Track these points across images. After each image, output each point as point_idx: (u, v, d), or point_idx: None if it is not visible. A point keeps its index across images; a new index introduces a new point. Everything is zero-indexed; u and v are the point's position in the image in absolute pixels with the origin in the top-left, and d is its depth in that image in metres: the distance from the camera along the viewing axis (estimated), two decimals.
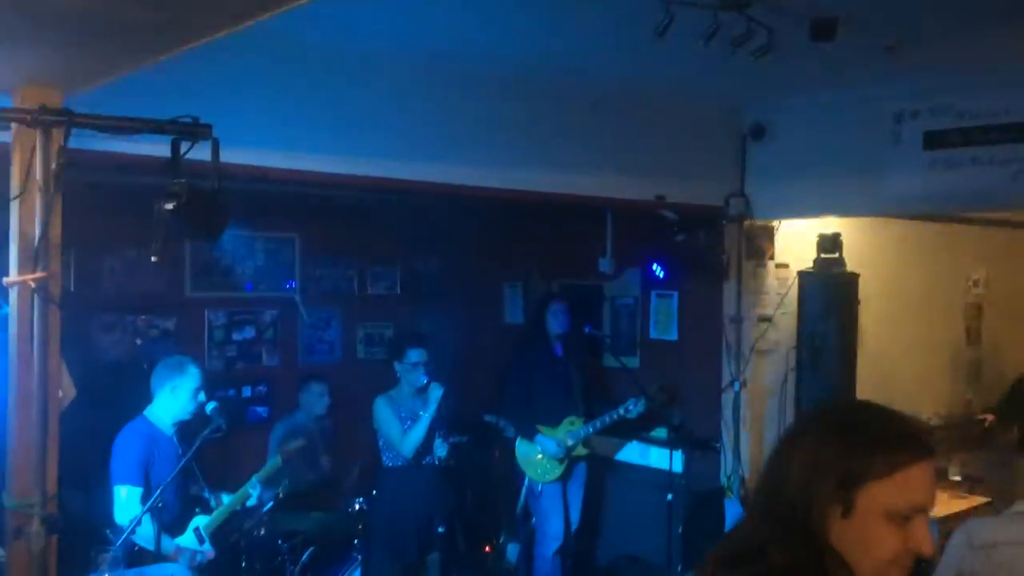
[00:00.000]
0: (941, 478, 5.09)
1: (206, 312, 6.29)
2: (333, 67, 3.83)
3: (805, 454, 1.41)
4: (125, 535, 3.72)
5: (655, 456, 5.72)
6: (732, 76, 4.31)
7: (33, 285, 2.40)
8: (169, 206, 2.51)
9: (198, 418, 4.22)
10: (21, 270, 2.43)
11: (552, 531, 5.36)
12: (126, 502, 3.88)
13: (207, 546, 4.14)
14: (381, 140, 4.04)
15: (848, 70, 4.38)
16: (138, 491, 3.90)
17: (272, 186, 4.54)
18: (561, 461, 5.31)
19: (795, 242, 5.49)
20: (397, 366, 4.86)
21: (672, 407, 5.46)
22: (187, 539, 4.08)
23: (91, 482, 4.12)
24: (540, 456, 5.32)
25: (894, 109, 4.72)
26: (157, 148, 2.73)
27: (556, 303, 5.51)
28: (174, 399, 4.11)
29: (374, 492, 4.98)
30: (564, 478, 5.41)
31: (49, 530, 2.40)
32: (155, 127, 2.52)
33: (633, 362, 5.98)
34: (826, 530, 1.37)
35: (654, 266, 5.44)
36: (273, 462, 4.61)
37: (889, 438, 1.39)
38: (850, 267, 5.18)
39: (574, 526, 5.56)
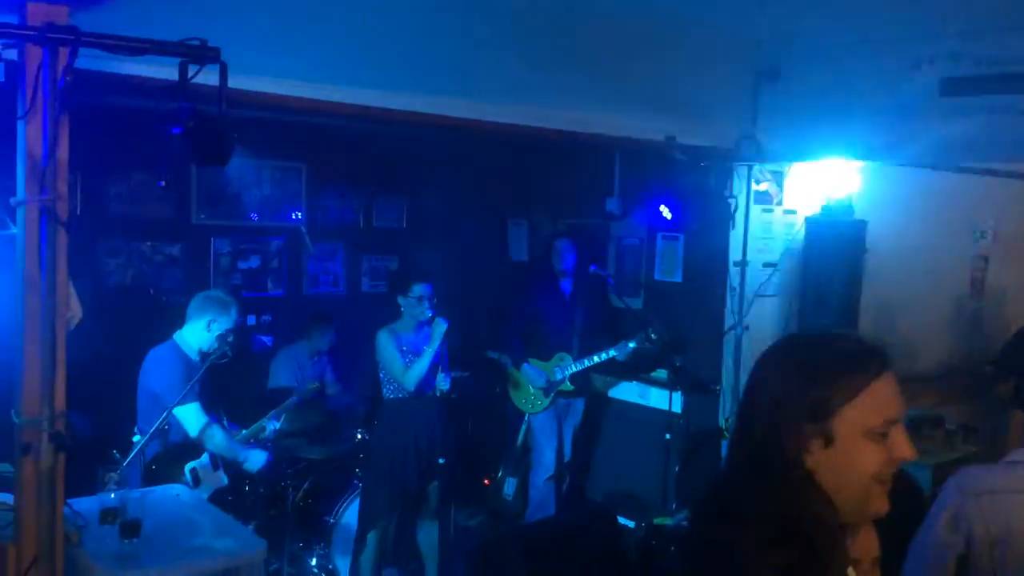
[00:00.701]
0: (937, 427, 5.14)
1: (212, 240, 6.31)
2: None
3: (769, 395, 1.42)
4: (132, 455, 3.83)
5: (655, 396, 5.79)
6: (747, 15, 4.23)
7: (40, 206, 2.39)
8: (177, 131, 2.50)
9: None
10: (28, 191, 2.42)
11: (545, 461, 5.60)
12: (194, 417, 4.05)
13: (221, 473, 4.25)
14: (389, 71, 3.99)
15: (866, 13, 4.28)
16: (195, 404, 4.07)
17: (280, 114, 4.50)
18: (546, 394, 5.48)
19: (804, 188, 5.45)
20: (400, 299, 4.86)
21: (667, 353, 5.50)
22: (203, 464, 4.19)
23: (97, 403, 4.18)
24: (527, 386, 5.54)
25: (911, 54, 4.63)
26: (164, 71, 2.70)
27: (562, 240, 5.62)
28: (207, 333, 4.23)
29: (375, 423, 5.06)
30: (559, 414, 5.61)
31: (57, 447, 2.44)
32: (162, 49, 2.48)
33: (636, 303, 6.01)
34: (806, 464, 1.39)
35: (661, 207, 5.42)
36: (291, 401, 4.73)
37: (845, 361, 1.41)
38: (858, 215, 5.15)
39: (567, 459, 5.72)
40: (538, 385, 5.51)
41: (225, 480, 4.27)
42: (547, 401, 5.52)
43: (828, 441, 1.39)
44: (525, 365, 5.53)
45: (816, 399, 1.39)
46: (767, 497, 1.37)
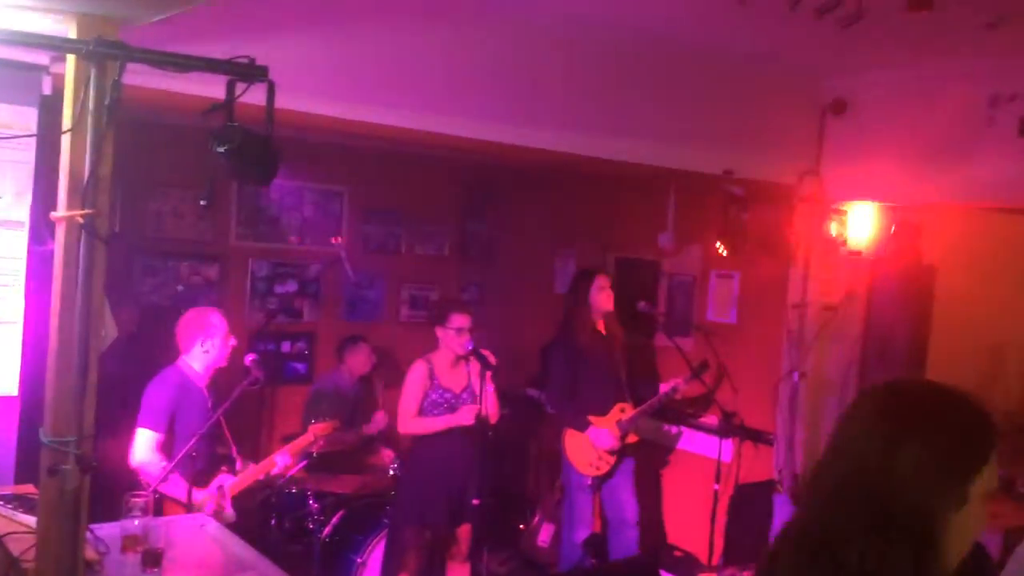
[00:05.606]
0: (1008, 489, 4.84)
1: (250, 262, 6.20)
2: (392, 15, 3.65)
3: (918, 457, 1.36)
4: (157, 484, 3.69)
5: (703, 443, 5.53)
6: (815, 45, 4.06)
7: (80, 221, 2.30)
8: (221, 149, 2.39)
9: (236, 370, 4.16)
10: (69, 206, 2.33)
11: (585, 519, 5.14)
12: (143, 445, 3.93)
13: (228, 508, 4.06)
14: (435, 94, 3.86)
15: (942, 46, 4.10)
16: (155, 436, 3.93)
17: (324, 135, 4.40)
18: (613, 454, 5.06)
19: (870, 228, 5.21)
20: (439, 330, 4.68)
21: (715, 386, 5.20)
22: (209, 495, 4.02)
23: (123, 424, 4.06)
24: (592, 448, 5.06)
25: (989, 91, 4.41)
26: (210, 88, 2.59)
27: (602, 278, 5.16)
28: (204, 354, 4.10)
29: (405, 458, 4.86)
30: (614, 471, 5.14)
31: (83, 469, 2.32)
32: (211, 66, 2.38)
33: (687, 343, 5.76)
34: (939, 526, 1.37)
35: (717, 244, 5.18)
36: (303, 437, 4.50)
37: (987, 426, 1.41)
38: (927, 259, 4.91)
39: (628, 516, 5.19)
40: (609, 448, 5.02)
41: (232, 516, 4.07)
42: (616, 460, 5.07)
43: (961, 504, 1.37)
44: (592, 429, 5.02)
45: (970, 465, 1.38)
46: (905, 560, 1.33)
